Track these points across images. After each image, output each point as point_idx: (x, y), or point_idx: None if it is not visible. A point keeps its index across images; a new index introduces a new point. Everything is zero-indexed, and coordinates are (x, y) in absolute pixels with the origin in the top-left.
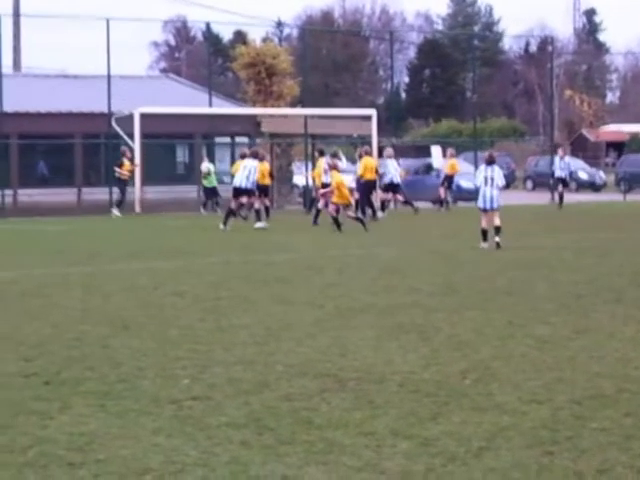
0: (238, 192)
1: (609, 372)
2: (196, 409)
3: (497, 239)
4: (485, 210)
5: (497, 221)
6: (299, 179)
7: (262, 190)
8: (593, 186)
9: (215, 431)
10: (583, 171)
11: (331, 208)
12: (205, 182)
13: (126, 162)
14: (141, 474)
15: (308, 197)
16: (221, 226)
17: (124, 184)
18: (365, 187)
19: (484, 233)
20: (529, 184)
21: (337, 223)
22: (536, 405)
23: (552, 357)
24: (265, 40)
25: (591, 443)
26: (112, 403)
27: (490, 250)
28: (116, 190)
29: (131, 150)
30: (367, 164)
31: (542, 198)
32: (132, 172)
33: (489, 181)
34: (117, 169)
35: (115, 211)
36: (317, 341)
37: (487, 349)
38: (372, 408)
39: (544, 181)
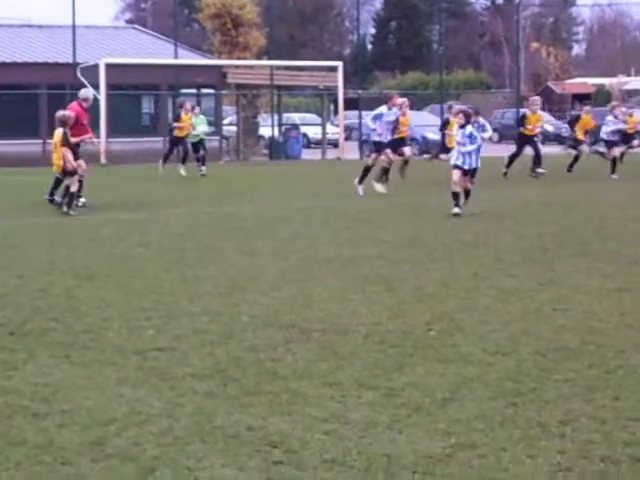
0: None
1: (573, 324)
2: (161, 360)
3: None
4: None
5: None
6: (265, 131)
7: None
8: (559, 138)
9: (180, 382)
10: (549, 124)
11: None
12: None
13: (183, 115)
14: (105, 424)
15: (274, 148)
16: (360, 190)
17: (177, 140)
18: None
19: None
20: (495, 136)
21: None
22: (501, 357)
23: (517, 309)
24: None
25: (555, 394)
26: (77, 354)
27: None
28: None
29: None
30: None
31: (508, 150)
32: (187, 127)
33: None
34: (175, 124)
35: (181, 170)
36: (282, 292)
37: (452, 301)
38: (337, 359)
39: (510, 134)
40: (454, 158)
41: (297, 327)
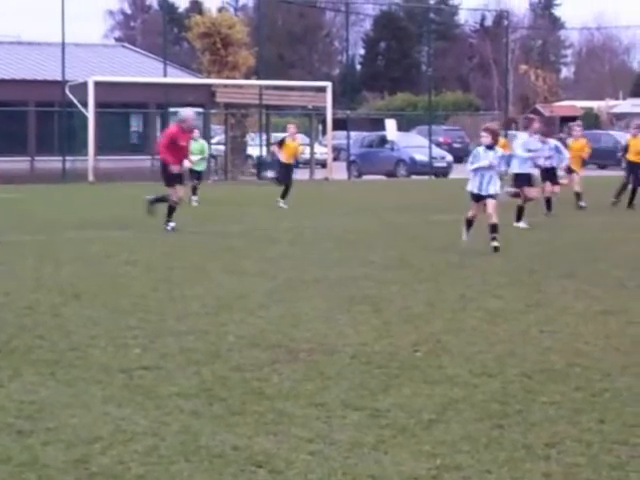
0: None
1: (560, 346)
2: (147, 378)
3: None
4: None
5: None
6: (253, 150)
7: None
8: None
9: (165, 401)
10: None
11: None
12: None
13: (289, 141)
14: (90, 443)
15: (262, 167)
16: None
17: (285, 168)
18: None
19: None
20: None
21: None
22: (487, 378)
23: (503, 330)
24: (221, 10)
25: (541, 417)
26: (62, 372)
27: (446, 224)
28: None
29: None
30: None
31: None
32: (295, 154)
33: None
34: (276, 148)
35: (281, 203)
36: (269, 312)
37: (439, 322)
38: (323, 379)
39: None
40: (472, 185)
41: (284, 347)
